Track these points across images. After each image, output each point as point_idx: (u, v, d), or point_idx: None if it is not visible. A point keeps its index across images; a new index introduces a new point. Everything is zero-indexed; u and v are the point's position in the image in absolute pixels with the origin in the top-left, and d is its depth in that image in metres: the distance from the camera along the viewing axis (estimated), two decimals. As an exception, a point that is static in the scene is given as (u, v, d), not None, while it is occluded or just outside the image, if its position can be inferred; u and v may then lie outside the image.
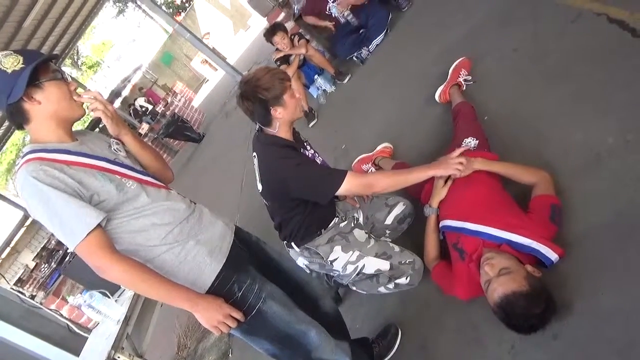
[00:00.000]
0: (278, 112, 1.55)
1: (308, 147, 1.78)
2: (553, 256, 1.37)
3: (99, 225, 1.10)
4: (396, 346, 1.73)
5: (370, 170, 2.60)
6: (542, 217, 1.44)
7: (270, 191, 1.67)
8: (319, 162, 1.78)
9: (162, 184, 1.34)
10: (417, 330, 1.72)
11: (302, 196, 1.62)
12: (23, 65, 1.11)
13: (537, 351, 1.31)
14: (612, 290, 1.26)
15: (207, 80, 17.50)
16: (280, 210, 1.73)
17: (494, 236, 1.47)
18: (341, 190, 1.54)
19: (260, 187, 1.69)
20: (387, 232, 1.98)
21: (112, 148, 1.29)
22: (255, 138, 1.69)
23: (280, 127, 1.59)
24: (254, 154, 1.68)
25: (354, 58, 4.00)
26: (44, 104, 1.15)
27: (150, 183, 1.28)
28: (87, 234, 1.08)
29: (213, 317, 1.18)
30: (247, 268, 1.32)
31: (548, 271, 1.38)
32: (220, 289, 1.24)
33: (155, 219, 1.22)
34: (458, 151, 1.68)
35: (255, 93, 1.51)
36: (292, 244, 1.78)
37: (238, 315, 1.22)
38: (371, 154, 2.63)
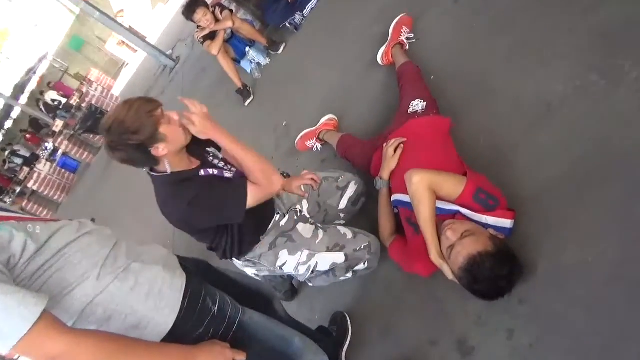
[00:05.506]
0: (161, 149, 1.27)
1: (213, 160, 1.50)
2: (506, 223, 1.31)
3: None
4: (350, 328, 1.67)
5: (315, 147, 2.46)
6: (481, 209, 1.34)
7: (182, 229, 1.46)
8: (228, 175, 1.48)
9: (58, 218, 1.06)
10: (380, 314, 1.66)
11: (211, 225, 1.45)
12: None
13: (504, 318, 1.28)
14: (573, 244, 1.24)
15: (127, 64, 16.10)
16: (205, 238, 1.52)
17: (445, 209, 1.39)
18: (249, 203, 1.38)
19: None
20: (342, 215, 1.84)
21: None
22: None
23: (170, 163, 1.33)
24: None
25: (287, 25, 3.74)
26: None
27: (49, 220, 1.01)
28: (28, 330, 0.77)
29: None
30: (205, 283, 1.14)
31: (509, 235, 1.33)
32: (193, 308, 1.05)
33: (82, 254, 0.96)
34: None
35: (124, 141, 1.22)
36: (233, 259, 1.60)
37: (241, 356, 1.05)
38: (315, 128, 2.47)
